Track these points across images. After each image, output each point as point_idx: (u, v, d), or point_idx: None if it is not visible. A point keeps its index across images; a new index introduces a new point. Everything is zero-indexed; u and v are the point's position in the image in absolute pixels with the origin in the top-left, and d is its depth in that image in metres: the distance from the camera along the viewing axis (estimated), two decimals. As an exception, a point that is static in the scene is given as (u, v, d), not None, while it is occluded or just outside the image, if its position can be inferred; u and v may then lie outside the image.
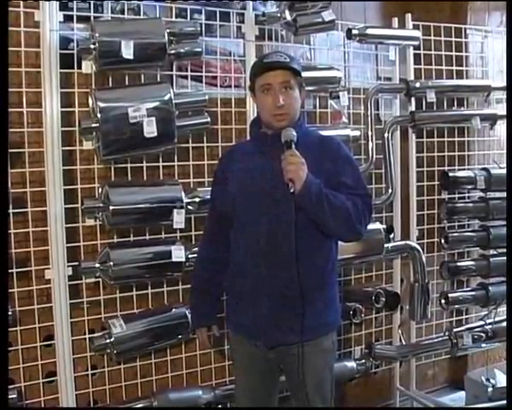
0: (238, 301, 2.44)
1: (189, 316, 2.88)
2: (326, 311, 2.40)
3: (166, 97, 2.84)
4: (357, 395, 3.78)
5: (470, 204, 3.95)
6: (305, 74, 3.24)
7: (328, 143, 2.41)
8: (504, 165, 3.77)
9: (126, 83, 2.93)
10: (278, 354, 2.40)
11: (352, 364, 3.55)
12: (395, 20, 3.65)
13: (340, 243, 2.50)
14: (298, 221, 2.24)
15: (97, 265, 2.82)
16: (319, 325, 2.37)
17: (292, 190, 2.16)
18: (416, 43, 3.67)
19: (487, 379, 3.87)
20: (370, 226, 3.40)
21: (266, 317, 2.34)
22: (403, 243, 3.69)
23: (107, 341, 2.84)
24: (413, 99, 3.71)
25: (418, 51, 3.72)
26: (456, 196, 3.95)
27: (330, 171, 2.29)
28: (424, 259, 3.67)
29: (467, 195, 4.01)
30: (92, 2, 2.85)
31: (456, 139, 3.96)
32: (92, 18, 2.82)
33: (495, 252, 3.91)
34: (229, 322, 2.58)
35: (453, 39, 3.85)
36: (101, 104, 2.72)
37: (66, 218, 2.78)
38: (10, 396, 2.63)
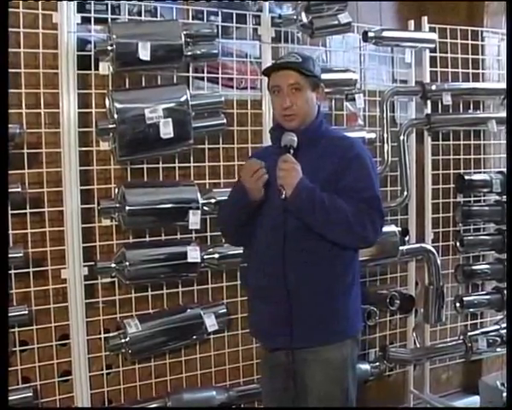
0: (251, 300, 2.45)
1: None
2: (328, 318, 2.26)
3: (183, 99, 2.86)
4: (370, 397, 3.76)
5: (486, 207, 3.95)
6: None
7: (341, 142, 2.33)
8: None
9: (143, 84, 2.95)
10: (280, 358, 2.33)
11: (366, 366, 3.55)
12: (411, 23, 3.65)
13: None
14: (289, 226, 2.22)
15: (113, 265, 2.83)
16: (316, 332, 2.26)
17: (282, 196, 2.15)
18: (432, 45, 3.66)
19: (502, 384, 3.83)
20: (385, 229, 3.41)
21: (263, 320, 2.33)
22: (418, 245, 3.68)
23: (122, 341, 2.86)
24: (429, 102, 3.70)
25: (434, 54, 3.71)
26: (472, 199, 3.95)
27: (338, 172, 2.22)
28: (439, 262, 3.66)
29: (482, 198, 4.00)
30: (109, 3, 2.87)
31: (472, 142, 3.94)
32: (109, 20, 2.84)
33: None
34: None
35: (469, 42, 3.85)
36: (118, 105, 2.74)
37: (82, 218, 2.79)
38: (26, 395, 2.66)
